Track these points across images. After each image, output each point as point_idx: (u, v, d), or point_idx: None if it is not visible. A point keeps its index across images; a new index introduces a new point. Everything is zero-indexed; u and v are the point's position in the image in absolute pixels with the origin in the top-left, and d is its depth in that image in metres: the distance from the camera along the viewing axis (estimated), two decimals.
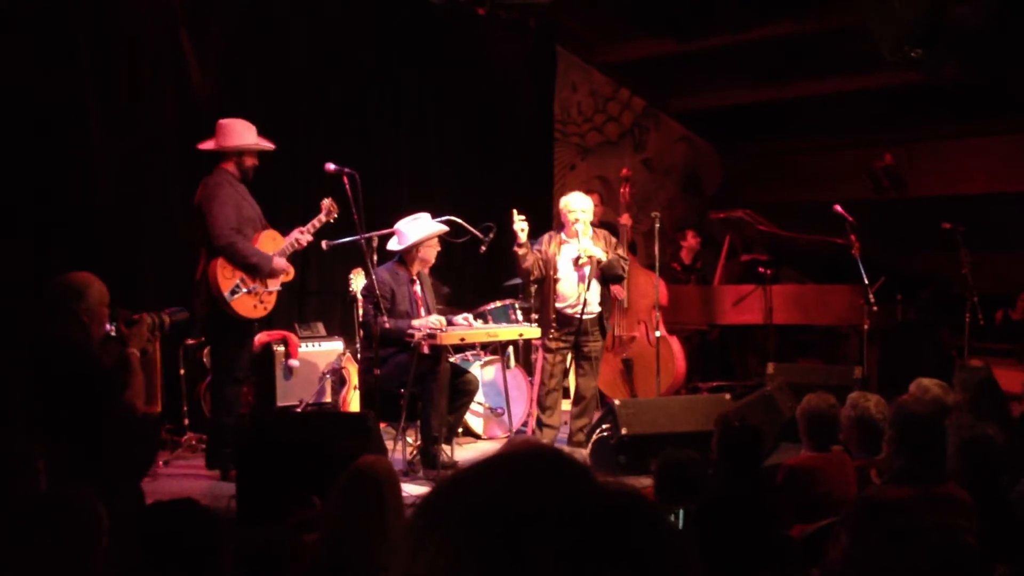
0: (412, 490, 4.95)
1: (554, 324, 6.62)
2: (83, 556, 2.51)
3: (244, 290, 5.80)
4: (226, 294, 5.74)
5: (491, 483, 0.81)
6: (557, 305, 6.62)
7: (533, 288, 6.80)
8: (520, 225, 6.39)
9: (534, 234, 6.60)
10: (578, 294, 6.54)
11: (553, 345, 6.67)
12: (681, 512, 3.68)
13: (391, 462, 3.32)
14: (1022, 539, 3.40)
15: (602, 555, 0.76)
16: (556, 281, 6.60)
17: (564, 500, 0.78)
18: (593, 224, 6.74)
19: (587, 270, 6.51)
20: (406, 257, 6.29)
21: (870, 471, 4.17)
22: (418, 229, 6.24)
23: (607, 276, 6.74)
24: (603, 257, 6.54)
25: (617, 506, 0.80)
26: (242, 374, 6.09)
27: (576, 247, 6.51)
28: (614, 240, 6.87)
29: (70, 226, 6.55)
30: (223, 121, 5.95)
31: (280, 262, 5.95)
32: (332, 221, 6.07)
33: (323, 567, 2.83)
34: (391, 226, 6.34)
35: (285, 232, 6.10)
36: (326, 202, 6.00)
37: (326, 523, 2.94)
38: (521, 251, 6.46)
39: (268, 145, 6.08)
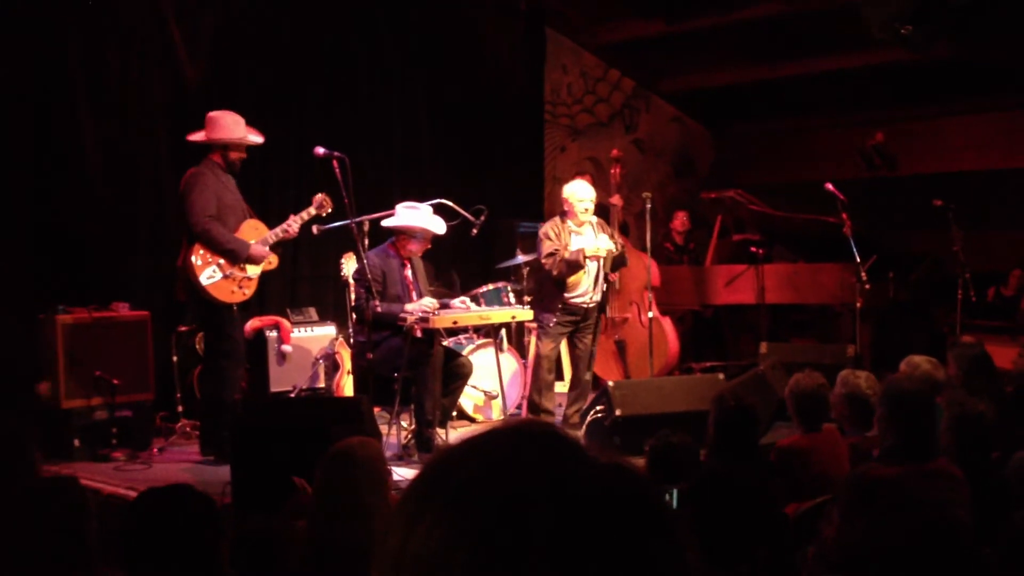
0: (407, 474, 4.96)
1: (558, 312, 6.63)
2: (80, 538, 2.54)
3: (220, 275, 5.83)
4: (201, 279, 5.78)
5: (485, 459, 0.81)
6: (566, 295, 6.63)
7: (526, 270, 6.79)
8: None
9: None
10: (593, 285, 6.64)
11: (553, 331, 6.69)
12: (675, 492, 3.69)
13: (377, 444, 3.32)
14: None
15: (597, 531, 0.76)
16: None
17: (559, 475, 0.78)
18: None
19: (601, 262, 6.61)
20: (396, 240, 6.28)
21: (863, 447, 4.18)
22: (406, 216, 6.22)
23: (613, 266, 6.87)
24: (615, 250, 6.66)
25: (612, 482, 0.80)
26: (238, 355, 6.10)
27: (591, 238, 6.61)
28: (608, 228, 6.90)
29: (61, 217, 6.54)
30: (212, 113, 5.97)
31: (258, 249, 5.95)
32: (323, 215, 6.09)
33: (309, 551, 2.83)
34: (382, 210, 6.32)
35: (274, 221, 6.10)
36: (318, 197, 6.02)
37: (310, 507, 2.95)
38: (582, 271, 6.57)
39: (257, 139, 6.10)
